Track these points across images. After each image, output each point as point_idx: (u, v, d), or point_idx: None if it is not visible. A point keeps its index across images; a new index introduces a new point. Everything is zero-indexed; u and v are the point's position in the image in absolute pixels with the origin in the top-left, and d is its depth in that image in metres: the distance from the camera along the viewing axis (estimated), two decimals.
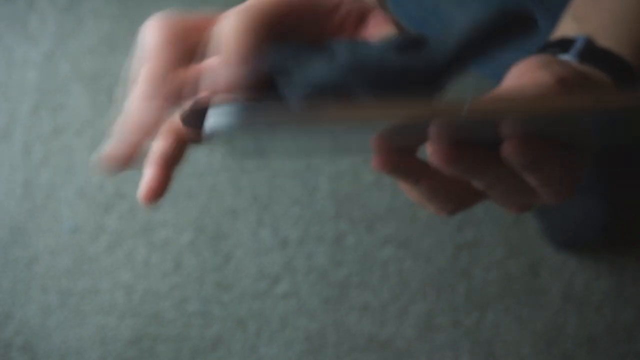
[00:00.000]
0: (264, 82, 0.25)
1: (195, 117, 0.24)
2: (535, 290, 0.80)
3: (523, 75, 0.29)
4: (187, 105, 0.25)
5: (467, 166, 0.23)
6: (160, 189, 0.28)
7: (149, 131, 0.27)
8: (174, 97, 0.26)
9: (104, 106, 0.87)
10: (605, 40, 0.32)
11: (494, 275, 0.81)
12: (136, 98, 0.27)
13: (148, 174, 0.28)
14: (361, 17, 0.28)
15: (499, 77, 0.55)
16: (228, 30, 0.26)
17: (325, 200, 0.83)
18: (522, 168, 0.23)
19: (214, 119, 0.21)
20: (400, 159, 0.25)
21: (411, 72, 0.23)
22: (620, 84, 0.30)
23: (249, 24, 0.26)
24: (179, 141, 0.28)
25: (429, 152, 0.23)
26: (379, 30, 0.27)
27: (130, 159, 0.27)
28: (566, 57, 0.31)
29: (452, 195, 0.27)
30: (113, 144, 0.27)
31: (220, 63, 0.25)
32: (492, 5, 0.48)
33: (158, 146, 0.28)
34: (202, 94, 0.25)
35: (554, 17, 0.45)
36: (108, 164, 0.27)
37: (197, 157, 0.85)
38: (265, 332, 0.81)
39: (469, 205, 0.28)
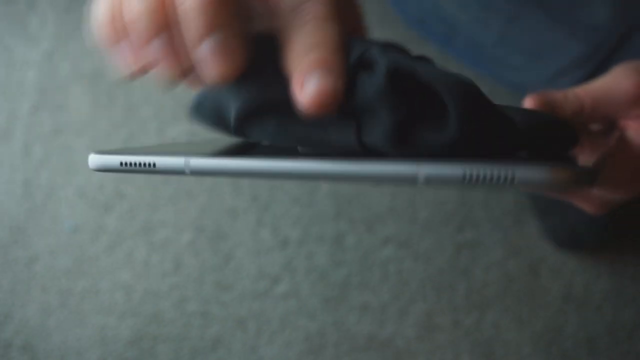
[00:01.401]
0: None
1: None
2: (535, 290, 0.80)
3: (615, 75, 0.31)
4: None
5: None
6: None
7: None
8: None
9: (104, 106, 0.87)
10: None
11: (494, 275, 0.81)
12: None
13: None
14: None
15: (498, 76, 0.55)
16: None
17: (325, 200, 0.83)
18: None
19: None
20: None
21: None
22: None
23: None
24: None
25: None
26: None
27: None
28: None
29: None
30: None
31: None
32: (489, 4, 0.48)
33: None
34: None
35: (554, 17, 0.45)
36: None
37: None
38: (265, 332, 0.81)
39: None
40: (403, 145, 0.22)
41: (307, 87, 0.20)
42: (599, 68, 0.45)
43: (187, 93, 0.91)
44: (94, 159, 0.24)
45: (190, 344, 0.81)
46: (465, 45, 0.51)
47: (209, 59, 0.20)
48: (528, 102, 0.30)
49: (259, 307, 0.82)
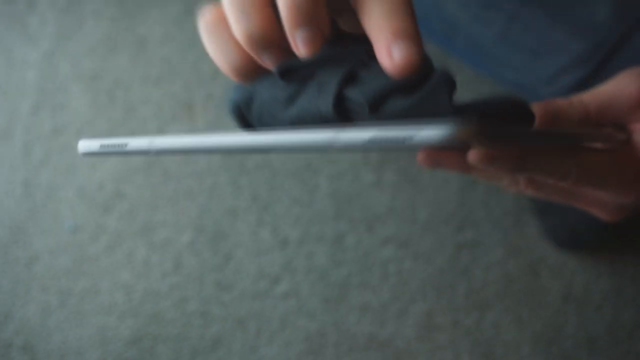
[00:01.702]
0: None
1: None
2: (535, 290, 0.80)
3: (619, 80, 0.31)
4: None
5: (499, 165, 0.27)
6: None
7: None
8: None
9: (104, 106, 0.87)
10: None
11: (494, 275, 0.81)
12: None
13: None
14: None
15: (498, 76, 0.55)
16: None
17: (325, 200, 0.83)
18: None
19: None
20: (441, 156, 0.30)
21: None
22: None
23: None
24: None
25: (469, 155, 0.26)
26: None
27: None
28: None
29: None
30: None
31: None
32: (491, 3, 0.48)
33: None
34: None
35: (554, 16, 0.45)
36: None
37: (196, 157, 0.85)
38: (265, 332, 0.81)
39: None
40: (375, 109, 0.24)
41: (395, 55, 0.23)
42: (600, 67, 0.45)
43: (187, 93, 0.91)
44: (81, 145, 0.26)
45: (190, 344, 0.81)
46: (466, 44, 0.51)
47: (300, 44, 0.24)
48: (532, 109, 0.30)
49: (259, 307, 0.82)
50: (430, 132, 0.19)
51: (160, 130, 0.85)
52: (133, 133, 0.85)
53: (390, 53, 0.23)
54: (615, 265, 0.80)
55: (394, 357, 0.80)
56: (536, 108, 0.30)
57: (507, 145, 0.25)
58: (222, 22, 0.26)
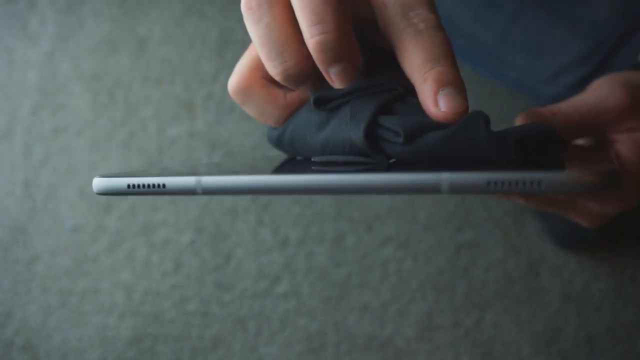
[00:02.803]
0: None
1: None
2: (535, 290, 0.80)
3: (598, 90, 0.31)
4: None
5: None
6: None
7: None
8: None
9: (104, 106, 0.87)
10: None
11: (494, 275, 0.81)
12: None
13: None
14: None
15: (499, 75, 0.55)
16: None
17: (325, 200, 0.83)
18: None
19: None
20: None
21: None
22: None
23: None
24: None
25: None
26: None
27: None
28: None
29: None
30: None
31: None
32: (493, 4, 0.49)
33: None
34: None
35: (555, 14, 0.45)
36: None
37: (196, 156, 0.85)
38: (265, 332, 0.81)
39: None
40: (410, 140, 0.23)
41: (441, 105, 0.23)
42: (600, 66, 0.45)
43: (188, 93, 0.91)
44: (99, 183, 0.23)
45: (190, 344, 0.81)
46: (466, 44, 0.52)
47: (334, 79, 0.25)
48: (519, 120, 0.30)
49: (259, 307, 0.82)
50: (559, 177, 0.18)
51: (161, 131, 0.85)
52: (133, 134, 0.85)
53: (436, 103, 0.23)
54: (615, 266, 0.80)
55: (394, 357, 0.80)
56: (521, 118, 0.30)
57: None
58: (251, 88, 0.28)
